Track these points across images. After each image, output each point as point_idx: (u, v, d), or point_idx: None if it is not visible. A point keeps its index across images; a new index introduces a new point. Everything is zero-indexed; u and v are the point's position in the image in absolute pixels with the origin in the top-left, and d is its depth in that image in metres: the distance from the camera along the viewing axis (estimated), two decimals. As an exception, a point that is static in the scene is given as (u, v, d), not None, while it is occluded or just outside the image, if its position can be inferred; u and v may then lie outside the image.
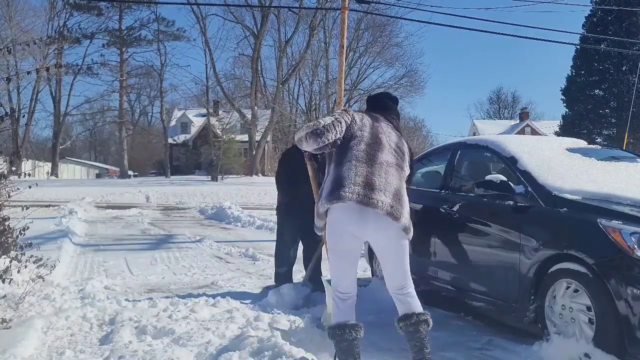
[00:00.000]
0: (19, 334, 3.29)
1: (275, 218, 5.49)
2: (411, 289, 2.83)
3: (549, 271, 3.19)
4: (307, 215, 4.79)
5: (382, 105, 3.14)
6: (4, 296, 4.05)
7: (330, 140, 2.78)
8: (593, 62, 25.84)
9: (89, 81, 77.88)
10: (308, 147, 2.83)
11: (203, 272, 6.21)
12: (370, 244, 2.86)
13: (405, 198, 2.80)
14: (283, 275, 5.10)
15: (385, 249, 2.82)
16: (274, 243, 5.28)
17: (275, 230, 5.27)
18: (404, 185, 2.85)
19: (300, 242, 5.19)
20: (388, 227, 2.71)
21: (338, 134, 2.80)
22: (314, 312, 4.33)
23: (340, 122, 2.83)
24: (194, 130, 46.14)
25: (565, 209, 3.25)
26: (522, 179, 3.60)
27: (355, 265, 2.89)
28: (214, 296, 4.55)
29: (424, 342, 2.73)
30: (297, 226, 5.01)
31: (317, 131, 2.76)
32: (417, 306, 2.80)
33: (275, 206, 5.38)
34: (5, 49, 4.47)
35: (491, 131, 39.17)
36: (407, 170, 2.94)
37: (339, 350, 2.77)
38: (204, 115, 42.34)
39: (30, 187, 4.77)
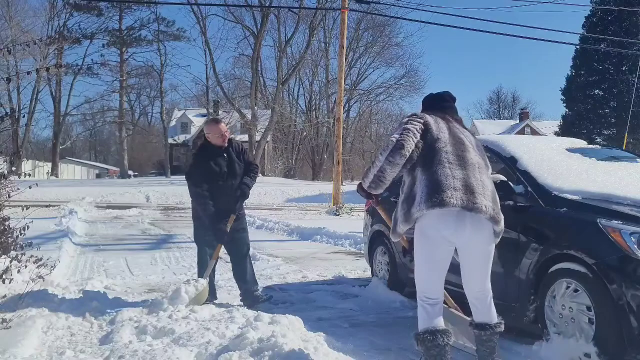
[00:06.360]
0: (19, 334, 3.29)
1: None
2: (490, 295, 2.82)
3: (549, 271, 3.19)
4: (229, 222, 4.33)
5: (443, 105, 2.96)
6: (4, 296, 4.05)
7: (411, 148, 2.63)
8: (593, 62, 25.80)
9: (89, 81, 77.64)
10: (391, 170, 2.65)
11: (203, 272, 6.20)
12: (457, 249, 2.78)
13: (498, 199, 2.76)
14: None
15: (474, 254, 2.76)
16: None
17: (242, 236, 4.64)
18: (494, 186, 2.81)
19: (229, 254, 4.67)
20: (484, 232, 2.68)
21: (415, 139, 2.66)
22: (315, 311, 4.34)
23: (414, 129, 2.69)
24: (194, 130, 46.15)
25: (565, 209, 3.25)
26: (521, 178, 3.60)
27: (445, 272, 2.78)
28: (214, 296, 4.56)
29: (494, 349, 2.79)
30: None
31: (397, 145, 2.62)
32: (494, 316, 2.82)
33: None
34: (5, 49, 4.47)
35: (491, 131, 39.14)
36: (490, 168, 2.90)
37: (429, 357, 2.67)
38: (204, 115, 42.33)
39: (30, 187, 4.77)
